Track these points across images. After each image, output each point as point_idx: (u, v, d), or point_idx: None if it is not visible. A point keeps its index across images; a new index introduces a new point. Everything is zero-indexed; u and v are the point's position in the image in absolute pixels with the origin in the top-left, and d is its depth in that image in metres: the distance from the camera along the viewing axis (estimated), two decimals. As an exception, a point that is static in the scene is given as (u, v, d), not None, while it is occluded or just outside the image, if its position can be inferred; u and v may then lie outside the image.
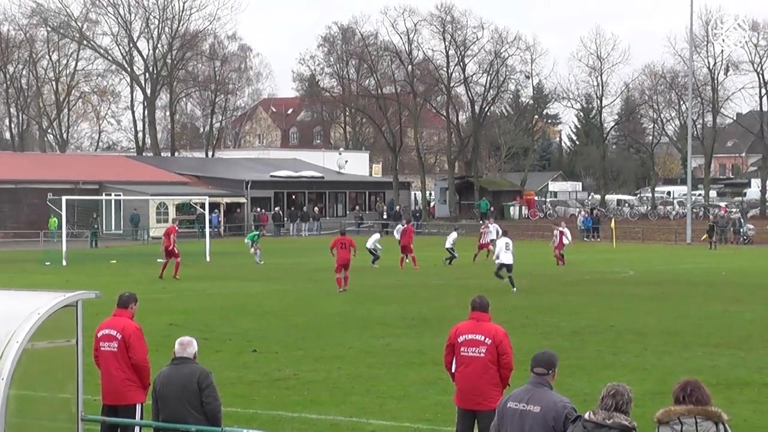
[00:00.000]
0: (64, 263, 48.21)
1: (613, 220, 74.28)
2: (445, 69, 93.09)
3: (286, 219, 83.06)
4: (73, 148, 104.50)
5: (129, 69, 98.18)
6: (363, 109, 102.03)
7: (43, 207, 69.77)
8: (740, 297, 33.47)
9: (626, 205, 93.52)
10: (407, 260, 46.19)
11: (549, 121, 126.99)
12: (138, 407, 12.69)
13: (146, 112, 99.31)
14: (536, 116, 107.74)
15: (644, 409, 13.15)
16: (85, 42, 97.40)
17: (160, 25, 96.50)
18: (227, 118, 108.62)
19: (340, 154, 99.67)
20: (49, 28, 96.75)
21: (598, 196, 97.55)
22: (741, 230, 72.37)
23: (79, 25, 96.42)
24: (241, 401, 16.59)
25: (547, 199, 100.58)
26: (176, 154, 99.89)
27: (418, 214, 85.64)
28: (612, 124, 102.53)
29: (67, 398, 11.41)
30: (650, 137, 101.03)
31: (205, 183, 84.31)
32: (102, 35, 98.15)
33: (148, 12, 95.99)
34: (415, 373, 19.26)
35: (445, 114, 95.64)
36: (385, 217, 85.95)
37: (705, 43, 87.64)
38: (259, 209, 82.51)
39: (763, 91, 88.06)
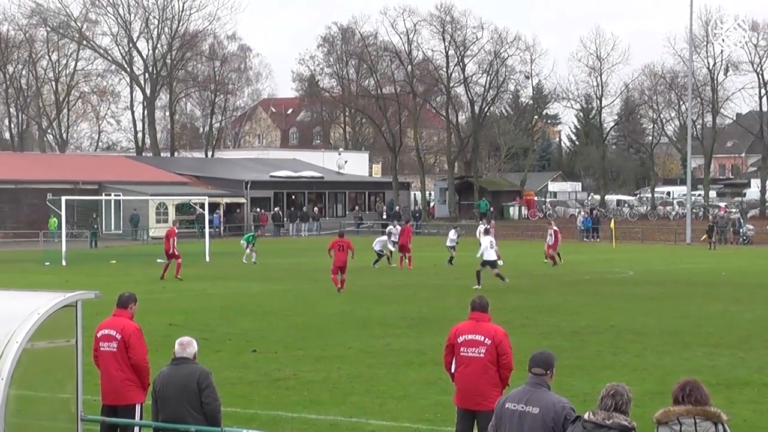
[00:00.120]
0: (64, 263, 48.22)
1: (612, 220, 74.27)
2: (444, 69, 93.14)
3: (285, 219, 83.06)
4: (72, 148, 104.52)
5: (129, 69, 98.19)
6: (363, 110, 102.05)
7: (43, 207, 69.77)
8: (740, 297, 33.48)
9: (626, 205, 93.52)
10: (405, 260, 46.16)
11: (549, 121, 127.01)
12: (137, 407, 12.69)
13: (146, 112, 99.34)
14: (536, 116, 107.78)
15: (644, 409, 13.15)
16: (84, 42, 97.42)
17: (160, 25, 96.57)
18: (227, 118, 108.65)
19: (339, 154, 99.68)
20: (48, 28, 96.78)
21: (597, 197, 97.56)
22: (741, 230, 72.37)
23: (79, 25, 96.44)
24: (240, 401, 16.59)
25: (547, 200, 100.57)
26: (176, 154, 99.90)
27: (417, 215, 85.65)
28: (612, 124, 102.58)
29: (66, 398, 11.40)
30: (650, 137, 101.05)
31: (204, 183, 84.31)
32: (102, 35, 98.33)
33: (147, 12, 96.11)
34: (415, 373, 19.26)
35: (444, 114, 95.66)
36: (384, 217, 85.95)
37: (705, 43, 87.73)
38: (258, 209, 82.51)
39: (763, 91, 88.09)
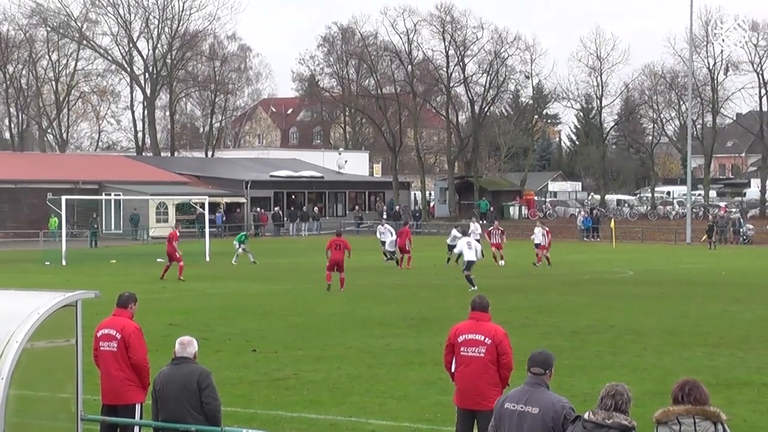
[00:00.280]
0: (64, 263, 48.23)
1: (612, 220, 74.28)
2: (444, 69, 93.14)
3: (285, 219, 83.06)
4: (72, 148, 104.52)
5: (129, 69, 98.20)
6: (363, 109, 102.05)
7: (43, 207, 69.80)
8: (740, 297, 33.48)
9: (626, 205, 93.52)
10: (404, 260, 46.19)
11: (549, 121, 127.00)
12: (137, 407, 12.69)
13: (146, 112, 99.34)
14: (536, 116, 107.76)
15: (644, 409, 13.15)
16: (84, 42, 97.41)
17: (160, 25, 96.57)
18: (227, 118, 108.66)
19: (339, 154, 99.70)
20: (48, 28, 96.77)
21: (597, 196, 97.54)
22: (741, 230, 72.39)
23: (79, 25, 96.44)
24: (240, 401, 16.59)
25: (547, 199, 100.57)
26: (176, 154, 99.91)
27: (417, 214, 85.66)
28: (612, 124, 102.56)
29: (66, 398, 11.41)
30: (650, 137, 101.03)
31: (204, 183, 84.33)
32: (102, 35, 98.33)
33: (147, 12, 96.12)
34: (415, 373, 19.26)
35: (444, 114, 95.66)
36: (384, 217, 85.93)
37: (705, 43, 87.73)
38: (258, 209, 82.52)
39: (763, 91, 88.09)
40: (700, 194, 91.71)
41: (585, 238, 74.94)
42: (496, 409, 9.36)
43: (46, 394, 11.40)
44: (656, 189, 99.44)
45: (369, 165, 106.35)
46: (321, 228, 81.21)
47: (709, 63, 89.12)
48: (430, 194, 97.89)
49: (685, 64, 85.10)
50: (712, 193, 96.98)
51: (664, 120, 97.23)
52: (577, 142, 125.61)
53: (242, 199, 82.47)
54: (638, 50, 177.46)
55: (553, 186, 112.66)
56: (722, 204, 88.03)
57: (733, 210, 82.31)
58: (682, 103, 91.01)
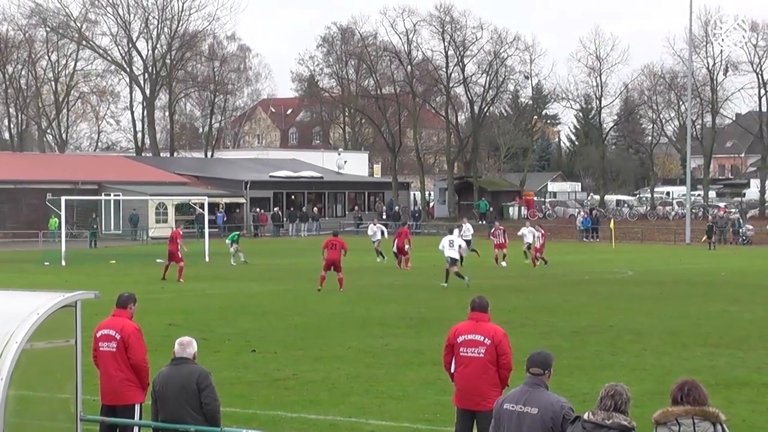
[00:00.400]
0: (63, 263, 48.23)
1: (612, 220, 74.29)
2: (444, 69, 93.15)
3: (285, 219, 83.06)
4: (72, 148, 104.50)
5: (128, 69, 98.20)
6: (362, 110, 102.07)
7: (43, 207, 69.79)
8: (739, 297, 33.49)
9: (625, 205, 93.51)
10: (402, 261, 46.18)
11: (548, 121, 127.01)
12: (137, 407, 12.69)
13: (145, 112, 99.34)
14: (535, 116, 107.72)
15: (643, 409, 13.15)
16: (84, 42, 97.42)
17: (160, 26, 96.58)
18: (226, 118, 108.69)
19: (339, 154, 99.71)
20: (48, 28, 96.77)
21: (597, 197, 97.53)
22: (740, 230, 72.40)
23: (78, 25, 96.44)
24: (240, 401, 16.59)
25: (547, 200, 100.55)
26: (175, 154, 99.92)
27: (417, 215, 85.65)
28: (611, 124, 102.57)
29: (66, 398, 11.41)
30: (649, 137, 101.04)
31: (204, 183, 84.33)
32: (101, 35, 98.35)
33: (147, 12, 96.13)
34: (414, 373, 19.26)
35: (444, 114, 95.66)
36: (384, 217, 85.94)
37: (704, 43, 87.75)
38: (258, 209, 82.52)
39: (762, 91, 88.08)
40: (699, 194, 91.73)
41: (584, 239, 74.95)
42: (496, 410, 9.36)
43: (46, 394, 11.40)
44: (656, 189, 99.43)
45: (368, 165, 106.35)
46: (320, 228, 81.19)
47: (708, 63, 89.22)
48: (429, 194, 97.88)
49: (684, 64, 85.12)
50: (712, 194, 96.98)
51: (663, 120, 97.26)
52: (576, 143, 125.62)
53: (242, 200, 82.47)
54: (638, 50, 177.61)
55: (552, 186, 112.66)
56: (722, 204, 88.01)
57: (733, 210, 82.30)
58: (681, 103, 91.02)
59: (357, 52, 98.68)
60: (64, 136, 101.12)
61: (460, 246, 37.34)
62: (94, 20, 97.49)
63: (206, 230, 55.28)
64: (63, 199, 53.00)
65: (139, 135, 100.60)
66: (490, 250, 49.06)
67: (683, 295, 34.00)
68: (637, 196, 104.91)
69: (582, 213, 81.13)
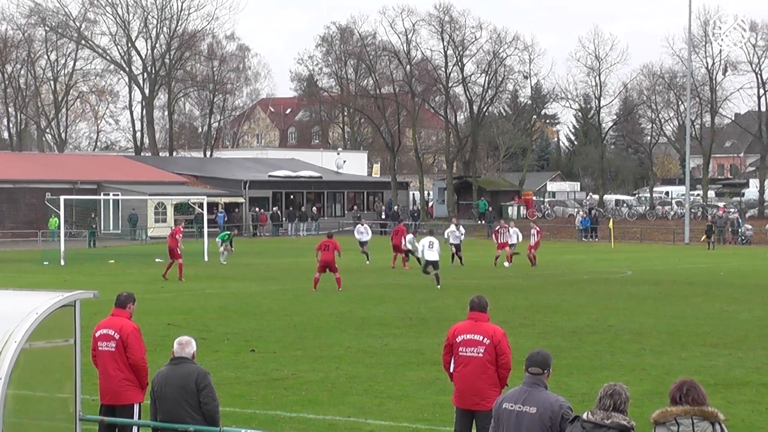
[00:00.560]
0: (63, 263, 48.22)
1: (611, 220, 74.32)
2: (443, 69, 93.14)
3: (284, 219, 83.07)
4: (71, 147, 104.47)
5: (127, 69, 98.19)
6: (361, 109, 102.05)
7: (42, 207, 69.77)
8: (738, 297, 33.50)
9: (624, 205, 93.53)
10: (400, 260, 46.15)
11: (547, 121, 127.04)
12: (136, 407, 12.69)
13: (144, 111, 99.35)
14: (534, 116, 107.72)
15: (642, 409, 13.16)
16: (83, 42, 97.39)
17: (159, 25, 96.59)
18: (225, 118, 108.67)
19: (338, 154, 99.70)
20: (47, 28, 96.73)
21: (596, 196, 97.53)
22: (739, 230, 72.43)
23: (78, 24, 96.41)
24: (239, 401, 16.59)
25: (546, 199, 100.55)
26: (174, 153, 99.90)
27: (416, 214, 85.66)
28: (610, 124, 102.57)
29: (65, 398, 11.41)
30: (648, 137, 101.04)
31: (203, 183, 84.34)
32: (100, 35, 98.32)
33: (146, 12, 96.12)
34: (414, 373, 19.26)
35: (443, 114, 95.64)
36: (383, 217, 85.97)
37: (703, 43, 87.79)
38: (257, 209, 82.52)
39: (762, 91, 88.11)
40: (698, 194, 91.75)
41: (583, 238, 74.95)
42: (495, 410, 9.37)
43: (45, 394, 11.40)
44: (655, 189, 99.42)
45: (367, 165, 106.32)
46: (319, 228, 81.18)
47: (707, 63, 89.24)
48: (428, 194, 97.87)
49: (683, 64, 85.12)
50: (711, 194, 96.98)
51: (662, 120, 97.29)
52: (575, 142, 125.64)
53: (240, 199, 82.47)
54: (637, 50, 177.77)
55: (551, 186, 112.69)
56: (721, 204, 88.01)
57: (732, 210, 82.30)
58: (680, 103, 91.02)
59: (356, 51, 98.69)
60: (63, 135, 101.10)
61: (438, 250, 37.36)
62: (93, 20, 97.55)
63: (205, 230, 55.28)
64: (62, 198, 53.00)
65: (138, 134, 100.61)
66: (488, 250, 49.01)
67: (682, 295, 34.01)
68: (636, 195, 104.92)
69: (581, 213, 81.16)
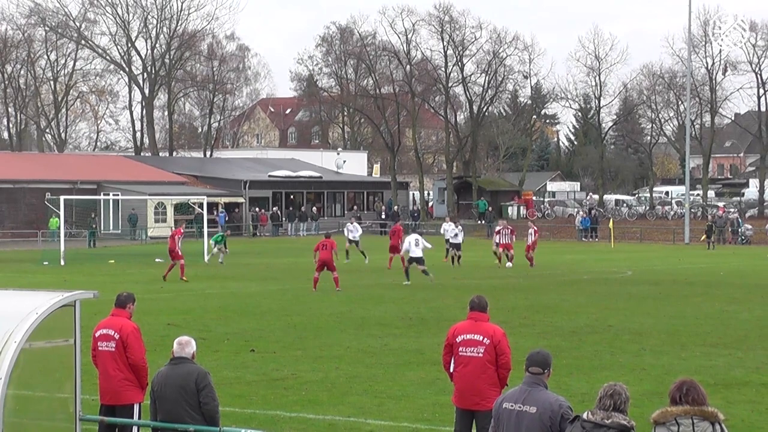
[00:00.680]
0: (62, 263, 48.21)
1: (611, 220, 74.33)
2: (443, 69, 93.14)
3: (284, 219, 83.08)
4: (71, 147, 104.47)
5: (127, 69, 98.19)
6: (361, 109, 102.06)
7: (41, 207, 69.78)
8: (738, 297, 33.49)
9: (624, 205, 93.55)
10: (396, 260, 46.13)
11: (547, 121, 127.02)
12: (136, 407, 12.69)
13: (144, 111, 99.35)
14: (534, 116, 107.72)
15: (642, 409, 13.16)
16: (83, 42, 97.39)
17: (159, 25, 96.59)
18: (225, 118, 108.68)
19: (338, 154, 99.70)
20: (47, 28, 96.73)
21: (596, 196, 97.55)
22: (739, 230, 72.43)
23: (77, 24, 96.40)
24: (239, 401, 16.59)
25: (546, 199, 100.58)
26: (174, 153, 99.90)
27: (416, 214, 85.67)
28: (610, 124, 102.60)
29: (64, 398, 11.41)
30: (648, 137, 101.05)
31: (203, 183, 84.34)
32: (100, 35, 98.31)
33: (146, 12, 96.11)
34: (414, 373, 19.25)
35: (443, 114, 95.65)
36: (383, 217, 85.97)
37: (703, 43, 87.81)
38: (257, 209, 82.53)
39: (762, 91, 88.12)
40: (698, 194, 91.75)
41: (583, 238, 74.95)
42: (495, 409, 9.37)
43: (45, 394, 11.40)
44: (655, 189, 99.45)
45: (367, 165, 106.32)
46: (319, 228, 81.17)
47: (707, 63, 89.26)
48: (428, 194, 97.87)
49: (683, 64, 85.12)
50: (711, 193, 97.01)
51: (662, 120, 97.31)
52: (575, 142, 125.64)
53: (240, 199, 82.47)
54: (636, 50, 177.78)
55: (551, 186, 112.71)
56: (720, 204, 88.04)
57: (732, 210, 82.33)
58: (680, 103, 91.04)
59: (356, 51, 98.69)
60: (63, 135, 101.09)
61: (424, 247, 37.83)
62: (93, 20, 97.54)
63: (205, 230, 55.25)
64: (62, 198, 53.01)
65: (138, 134, 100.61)
66: (488, 250, 49.00)
67: (682, 295, 34.01)
68: (636, 195, 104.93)
69: (581, 213, 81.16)
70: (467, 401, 12.35)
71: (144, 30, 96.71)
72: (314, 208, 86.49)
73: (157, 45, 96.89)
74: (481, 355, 12.25)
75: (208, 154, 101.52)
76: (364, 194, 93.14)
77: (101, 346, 12.70)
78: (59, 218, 56.70)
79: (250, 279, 40.53)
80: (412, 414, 15.89)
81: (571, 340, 23.52)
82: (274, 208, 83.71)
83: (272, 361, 20.64)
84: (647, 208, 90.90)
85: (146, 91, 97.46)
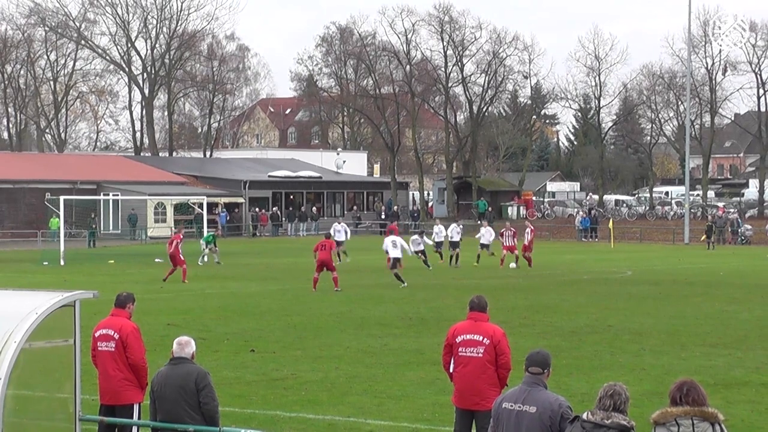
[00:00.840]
0: (62, 263, 48.21)
1: (611, 220, 74.32)
2: (443, 69, 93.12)
3: (284, 219, 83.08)
4: (71, 148, 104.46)
5: (127, 69, 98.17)
6: (361, 109, 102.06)
7: (41, 207, 69.78)
8: (738, 297, 33.49)
9: (624, 205, 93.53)
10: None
11: (547, 121, 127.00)
12: (135, 407, 12.69)
13: (144, 112, 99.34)
14: (534, 116, 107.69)
15: (642, 409, 13.16)
16: (83, 42, 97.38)
17: (158, 25, 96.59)
18: (225, 118, 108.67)
19: (338, 154, 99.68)
20: (47, 28, 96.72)
21: (596, 197, 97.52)
22: (739, 230, 72.42)
23: (77, 24, 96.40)
24: (238, 401, 16.59)
25: (545, 200, 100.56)
26: (174, 154, 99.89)
27: (416, 214, 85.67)
28: (610, 124, 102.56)
29: (64, 398, 11.41)
30: (648, 137, 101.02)
31: (203, 183, 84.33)
32: (100, 35, 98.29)
33: (146, 12, 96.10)
34: (413, 373, 19.25)
35: (443, 114, 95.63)
36: (383, 217, 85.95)
37: (703, 43, 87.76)
38: (257, 209, 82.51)
39: (761, 91, 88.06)
40: (698, 194, 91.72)
41: (583, 239, 74.95)
42: (495, 409, 9.37)
43: (44, 394, 11.40)
44: (654, 189, 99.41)
45: (367, 165, 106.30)
46: (319, 228, 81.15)
47: (707, 63, 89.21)
48: (428, 194, 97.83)
49: (683, 64, 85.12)
50: (711, 194, 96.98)
51: (662, 120, 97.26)
52: (575, 142, 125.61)
53: (240, 200, 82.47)
54: (636, 50, 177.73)
55: (551, 186, 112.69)
56: (720, 204, 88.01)
57: (732, 210, 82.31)
58: (680, 103, 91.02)
59: (356, 51, 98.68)
60: (62, 135, 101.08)
61: (402, 248, 37.95)
62: (92, 20, 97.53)
63: (205, 230, 55.24)
64: (62, 198, 53.01)
65: (138, 135, 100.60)
66: (497, 250, 49.02)
67: (682, 295, 34.01)
68: (636, 195, 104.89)
69: (581, 213, 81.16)
70: (467, 401, 12.35)
71: (144, 30, 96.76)
72: (314, 209, 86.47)
73: (157, 45, 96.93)
74: (480, 355, 12.25)
75: (207, 154, 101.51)
76: (364, 194, 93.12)
77: (101, 346, 12.70)
78: (59, 218, 56.72)
79: (250, 279, 40.53)
80: (411, 414, 15.89)
81: (571, 340, 23.52)
82: (274, 208, 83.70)
83: (272, 361, 20.64)
84: (647, 208, 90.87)
85: (146, 91, 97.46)
